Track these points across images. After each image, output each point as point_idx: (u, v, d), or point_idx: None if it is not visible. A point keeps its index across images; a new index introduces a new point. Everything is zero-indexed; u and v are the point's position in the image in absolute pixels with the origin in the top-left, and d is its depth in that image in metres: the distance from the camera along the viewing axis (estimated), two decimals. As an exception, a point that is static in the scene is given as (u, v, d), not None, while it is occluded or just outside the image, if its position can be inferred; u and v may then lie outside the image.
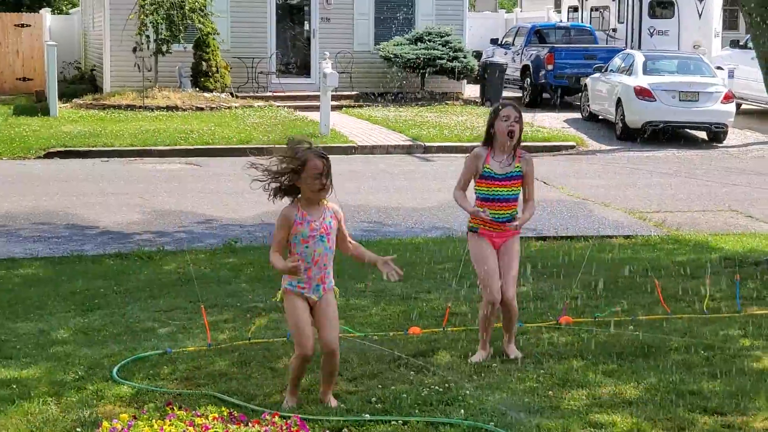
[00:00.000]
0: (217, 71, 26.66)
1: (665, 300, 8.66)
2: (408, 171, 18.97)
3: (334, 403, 6.24)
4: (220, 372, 7.01)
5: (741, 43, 26.86)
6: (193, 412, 5.61)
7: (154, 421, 5.39)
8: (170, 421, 5.38)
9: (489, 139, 7.20)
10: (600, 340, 7.65)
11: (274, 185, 6.03)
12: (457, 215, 14.38)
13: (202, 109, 25.30)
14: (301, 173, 5.96)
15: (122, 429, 5.27)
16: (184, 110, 25.12)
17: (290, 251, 6.03)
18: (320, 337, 6.13)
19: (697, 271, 10.06)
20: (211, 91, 26.46)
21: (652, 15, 31.89)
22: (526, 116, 27.42)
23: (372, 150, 21.25)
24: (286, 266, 5.90)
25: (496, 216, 7.09)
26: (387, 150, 21.38)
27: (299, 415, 5.69)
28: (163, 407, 5.80)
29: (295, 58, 30.44)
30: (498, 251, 7.17)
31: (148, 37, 25.71)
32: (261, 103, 26.65)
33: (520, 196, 7.23)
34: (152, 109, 25.04)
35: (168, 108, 25.20)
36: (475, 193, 7.23)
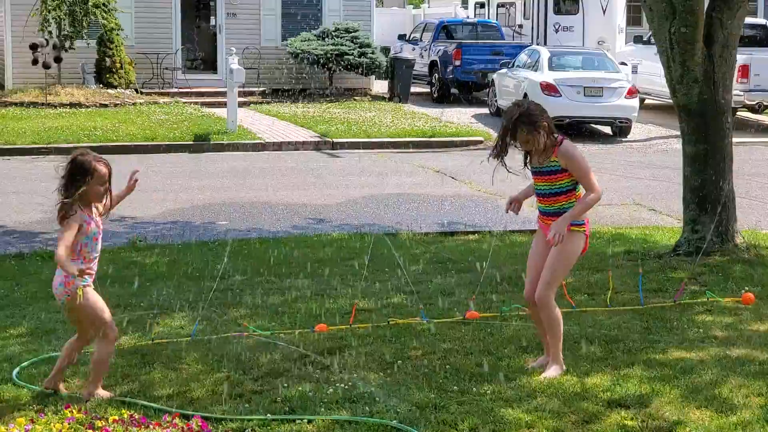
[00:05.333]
0: (122, 67, 26.31)
1: (570, 293, 8.72)
2: (317, 167, 18.91)
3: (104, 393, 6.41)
4: (123, 373, 6.88)
5: (644, 39, 27.30)
6: (93, 414, 5.50)
7: (52, 424, 5.27)
8: (69, 424, 5.27)
9: None
10: (506, 335, 7.68)
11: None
12: (364, 211, 14.37)
13: (106, 105, 24.94)
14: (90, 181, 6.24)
15: (18, 434, 5.14)
16: (88, 107, 24.75)
17: (80, 251, 6.24)
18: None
19: (601, 264, 10.17)
20: (116, 88, 26.11)
21: (558, 11, 32.28)
22: (435, 111, 27.40)
23: (280, 146, 21.14)
24: (80, 269, 6.09)
25: (543, 209, 6.87)
26: (295, 146, 21.29)
27: (200, 415, 5.62)
28: (62, 410, 5.66)
29: (202, 54, 30.17)
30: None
31: (50, 33, 25.28)
32: (167, 99, 26.38)
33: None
34: (56, 107, 24.62)
35: (72, 105, 24.80)
36: None
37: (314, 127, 22.92)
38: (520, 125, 6.63)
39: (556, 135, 6.71)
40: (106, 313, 6.34)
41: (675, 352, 7.25)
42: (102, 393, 6.37)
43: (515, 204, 7.08)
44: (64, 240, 6.08)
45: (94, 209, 6.37)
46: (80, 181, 6.16)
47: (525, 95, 22.99)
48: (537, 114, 6.66)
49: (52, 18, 25.15)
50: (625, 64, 26.68)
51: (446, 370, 6.83)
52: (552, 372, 6.71)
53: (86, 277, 6.22)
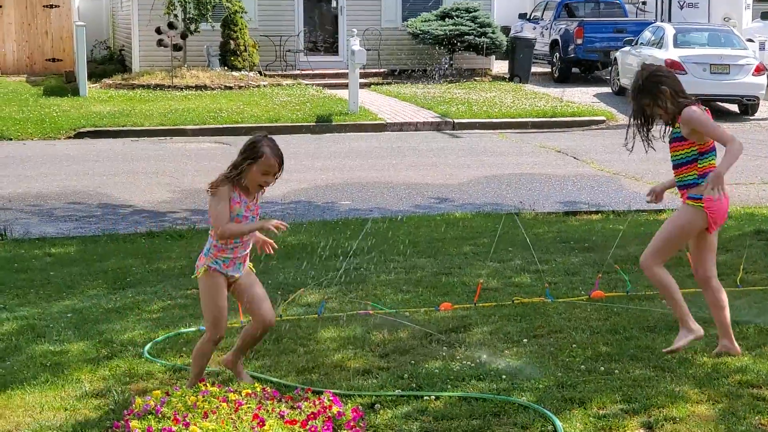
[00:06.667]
0: (245, 50, 26.64)
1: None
2: (437, 148, 18.92)
3: (246, 378, 6.19)
4: (254, 349, 7.01)
5: (772, 15, 26.59)
6: (227, 388, 5.63)
7: (187, 397, 5.41)
8: (203, 397, 5.40)
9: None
10: (632, 315, 7.61)
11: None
12: (486, 191, 14.35)
13: (230, 88, 25.31)
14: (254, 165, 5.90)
15: (155, 405, 5.29)
16: (213, 89, 25.14)
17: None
18: (257, 312, 6.08)
19: (731, 244, 9.98)
20: (240, 70, 26.46)
21: (682, -13, 31.63)
22: (556, 91, 27.19)
23: (401, 127, 21.21)
24: (262, 224, 5.88)
25: (677, 181, 6.62)
26: (416, 127, 21.33)
27: (332, 391, 5.70)
28: (197, 383, 5.81)
29: (323, 36, 30.38)
30: None
31: (176, 16, 25.75)
32: (289, 81, 26.65)
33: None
34: (181, 89, 25.08)
35: (197, 87, 25.23)
36: None
37: (435, 107, 22.92)
38: (643, 91, 6.46)
39: (682, 101, 6.42)
40: (215, 312, 5.98)
41: (808, 334, 7.08)
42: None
43: (653, 194, 6.84)
44: (216, 213, 5.83)
45: (255, 194, 6.03)
46: (245, 160, 5.86)
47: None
48: (660, 77, 6.44)
49: (178, 1, 25.61)
50: (752, 41, 26.03)
51: (572, 349, 6.79)
52: (680, 341, 6.52)
53: (219, 260, 5.95)
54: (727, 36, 23.85)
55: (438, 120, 21.69)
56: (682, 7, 31.40)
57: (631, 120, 6.63)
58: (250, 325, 6.20)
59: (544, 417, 5.63)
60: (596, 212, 12.74)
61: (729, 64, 22.25)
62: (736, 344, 6.64)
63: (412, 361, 6.61)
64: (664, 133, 6.63)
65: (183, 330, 7.50)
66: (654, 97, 6.42)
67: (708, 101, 22.61)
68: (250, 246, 6.12)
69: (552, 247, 10.34)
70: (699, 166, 6.48)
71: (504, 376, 6.26)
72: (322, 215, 12.81)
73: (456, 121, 21.54)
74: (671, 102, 6.41)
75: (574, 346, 6.87)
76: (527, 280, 8.96)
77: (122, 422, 5.28)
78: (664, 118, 6.50)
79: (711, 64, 22.22)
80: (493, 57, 29.13)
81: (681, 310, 6.56)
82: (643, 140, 6.61)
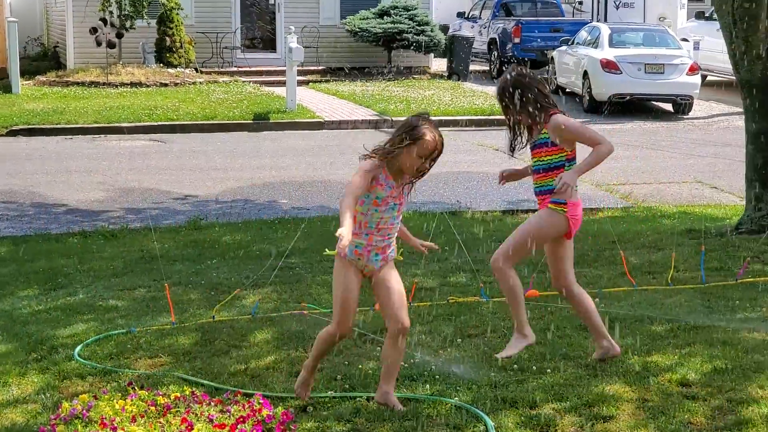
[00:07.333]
0: (182, 47, 26.46)
1: (630, 272, 8.66)
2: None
3: (399, 406, 5.71)
4: (185, 351, 6.95)
5: (706, 15, 26.89)
6: (155, 391, 5.56)
7: (115, 401, 5.34)
8: (131, 401, 5.33)
9: None
10: (565, 314, 7.64)
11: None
12: (423, 190, 14.35)
13: (166, 85, 25.11)
14: (413, 146, 5.47)
15: (82, 410, 5.21)
16: (149, 86, 24.93)
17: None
18: (387, 314, 5.64)
19: (662, 242, 10.08)
20: (176, 67, 26.26)
21: (618, -13, 31.92)
22: (493, 89, 27.26)
23: (339, 125, 21.17)
24: (345, 231, 5.13)
25: (534, 187, 6.49)
26: (354, 125, 21.30)
27: (262, 393, 5.66)
28: (125, 387, 5.73)
29: (261, 33, 30.24)
30: None
31: (111, 12, 25.49)
32: (226, 78, 26.51)
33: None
34: (116, 86, 24.84)
35: (132, 84, 25.01)
36: None
37: (373, 105, 22.91)
38: (505, 96, 6.29)
39: (546, 106, 6.27)
40: (338, 304, 5.59)
41: (737, 331, 7.16)
42: (303, 377, 5.85)
43: (501, 176, 6.65)
44: (349, 181, 5.45)
45: (403, 180, 5.58)
46: (403, 140, 5.46)
47: (585, 73, 22.82)
48: (523, 83, 6.27)
49: (113, -2, 25.39)
50: (687, 41, 26.30)
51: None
52: (513, 347, 6.34)
53: (352, 245, 5.41)
54: (662, 36, 24.10)
55: (376, 118, 21.68)
56: (617, 7, 31.69)
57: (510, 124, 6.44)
58: (327, 330, 5.75)
59: (477, 417, 5.63)
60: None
61: (664, 64, 22.48)
62: (615, 344, 6.50)
63: (346, 362, 6.58)
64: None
65: (113, 332, 7.41)
66: (517, 103, 6.26)
67: (643, 100, 22.87)
68: (393, 238, 5.67)
69: (488, 246, 10.36)
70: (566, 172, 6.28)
71: (438, 377, 6.26)
72: (259, 214, 12.73)
73: (394, 119, 21.51)
74: (534, 107, 6.26)
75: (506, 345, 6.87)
76: (463, 279, 8.97)
77: (48, 427, 5.19)
78: (524, 122, 6.34)
79: (646, 64, 22.43)
80: (432, 55, 29.19)
81: (520, 317, 6.36)
82: (512, 144, 6.43)
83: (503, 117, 6.51)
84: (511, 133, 6.43)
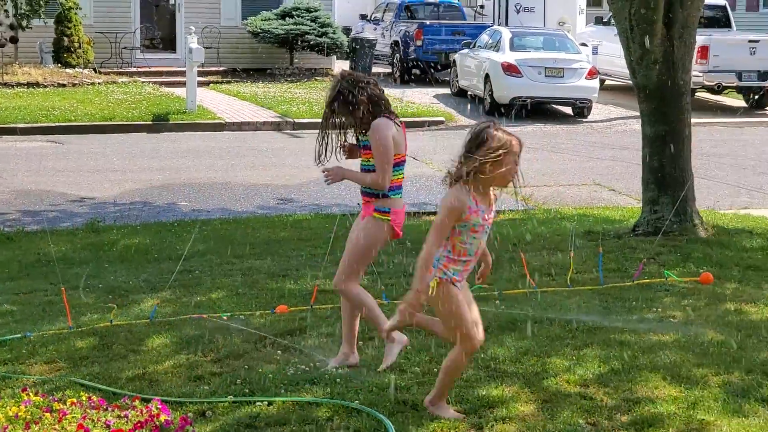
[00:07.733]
0: (80, 47, 26.05)
1: (531, 274, 8.74)
2: (277, 148, 18.82)
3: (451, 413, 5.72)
4: (82, 355, 6.82)
5: (604, 20, 27.37)
6: (51, 397, 5.44)
7: (8, 408, 5.21)
8: (26, 407, 5.21)
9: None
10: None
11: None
12: (326, 192, 14.34)
13: (64, 85, 24.69)
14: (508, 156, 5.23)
15: (-26, 418, 5.08)
16: (46, 87, 24.50)
17: (450, 238, 5.38)
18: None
19: (562, 244, 10.20)
20: (74, 67, 25.85)
21: (519, -8, 32.26)
22: (396, 92, 27.33)
23: (240, 127, 21.03)
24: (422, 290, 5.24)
25: (365, 186, 6.54)
26: (256, 126, 21.19)
27: (160, 398, 5.58)
28: (19, 393, 5.60)
29: (161, 33, 29.91)
30: None
31: (6, 11, 24.98)
32: (125, 78, 26.17)
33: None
34: (12, 86, 24.34)
35: (29, 84, 24.54)
36: None
37: (275, 107, 22.82)
38: (338, 98, 6.31)
39: (376, 110, 6.30)
40: (466, 324, 5.46)
41: (634, 332, 7.27)
42: (445, 411, 5.69)
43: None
44: (439, 225, 5.29)
45: (491, 197, 5.42)
46: (492, 154, 5.19)
47: (487, 76, 23.02)
48: (358, 86, 6.29)
49: (8, -4, 24.90)
50: (586, 45, 26.74)
51: (407, 351, 6.80)
52: (390, 356, 6.44)
53: (449, 271, 5.39)
54: (562, 40, 24.44)
55: (278, 120, 21.59)
56: (518, 11, 32.03)
57: (322, 129, 6.48)
58: (460, 352, 5.59)
59: (378, 420, 5.62)
60: (435, 213, 12.84)
61: (563, 68, 22.80)
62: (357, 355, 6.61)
63: (246, 366, 6.52)
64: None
65: (8, 337, 7.25)
66: (350, 105, 6.28)
67: (543, 103, 23.16)
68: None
69: (389, 248, 10.37)
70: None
71: (339, 380, 6.23)
72: (158, 216, 12.57)
73: (296, 120, 21.48)
74: (366, 110, 6.29)
75: (409, 348, 6.88)
76: (364, 281, 8.88)
77: (-62, 436, 5.05)
78: (354, 123, 6.37)
79: (546, 68, 22.73)
80: (335, 57, 29.18)
81: (383, 325, 6.39)
82: (335, 148, 6.48)
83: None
84: (339, 135, 6.50)
